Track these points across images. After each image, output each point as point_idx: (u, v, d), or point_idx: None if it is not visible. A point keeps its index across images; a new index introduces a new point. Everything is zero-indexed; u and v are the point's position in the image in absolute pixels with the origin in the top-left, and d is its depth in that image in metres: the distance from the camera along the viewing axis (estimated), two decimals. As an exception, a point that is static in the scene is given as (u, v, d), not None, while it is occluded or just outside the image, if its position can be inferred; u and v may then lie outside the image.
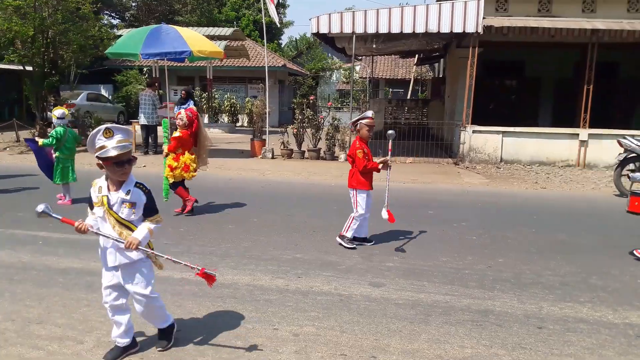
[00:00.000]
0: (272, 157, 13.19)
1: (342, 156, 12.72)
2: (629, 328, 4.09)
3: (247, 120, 24.26)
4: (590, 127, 12.43)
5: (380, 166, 5.96)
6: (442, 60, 22.08)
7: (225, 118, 24.58)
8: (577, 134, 12.37)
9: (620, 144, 9.09)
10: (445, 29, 11.92)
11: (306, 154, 13.24)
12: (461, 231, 6.81)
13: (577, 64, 14.31)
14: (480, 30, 11.80)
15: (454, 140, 13.51)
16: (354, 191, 5.96)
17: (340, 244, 5.97)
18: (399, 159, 12.88)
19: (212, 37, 15.79)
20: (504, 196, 9.26)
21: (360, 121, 5.92)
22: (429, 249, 5.97)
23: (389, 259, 5.58)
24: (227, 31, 18.70)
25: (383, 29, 12.10)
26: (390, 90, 32.16)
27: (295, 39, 45.54)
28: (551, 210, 8.23)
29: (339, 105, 27.86)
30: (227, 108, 24.50)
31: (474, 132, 12.50)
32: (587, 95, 12.30)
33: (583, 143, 12.33)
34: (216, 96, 24.01)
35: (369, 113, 6.03)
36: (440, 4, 12.22)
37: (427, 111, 20.71)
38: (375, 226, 6.73)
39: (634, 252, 5.86)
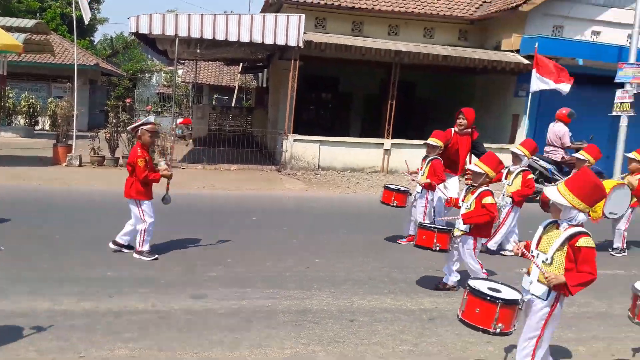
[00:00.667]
0: (80, 165, 11.90)
1: (163, 163, 12.17)
2: (424, 313, 4.70)
3: (49, 123, 21.67)
4: (393, 137, 13.90)
5: (160, 176, 5.71)
6: (265, 70, 22.66)
7: (21, 120, 21.54)
8: (382, 144, 13.76)
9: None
10: (269, 40, 12.28)
11: (120, 161, 12.16)
12: (283, 235, 7.08)
13: (383, 82, 15.91)
14: (301, 44, 12.41)
15: (277, 148, 13.98)
16: (136, 202, 5.61)
17: (141, 259, 5.65)
18: (224, 167, 12.88)
19: (8, 29, 13.92)
20: (321, 200, 9.88)
21: (142, 127, 5.65)
22: (253, 255, 6.10)
23: (212, 268, 5.54)
24: (28, 23, 16.63)
25: (207, 35, 11.99)
26: (215, 96, 31.98)
27: (111, 37, 42.48)
28: (360, 211, 9.02)
29: (160, 110, 26.74)
30: (24, 109, 21.45)
31: (295, 140, 13.10)
32: (391, 109, 13.77)
33: (387, 152, 13.76)
34: (10, 95, 21.03)
35: (151, 118, 5.94)
36: (264, 15, 12.55)
37: (251, 119, 21.05)
38: (203, 236, 6.65)
39: (398, 241, 6.91)
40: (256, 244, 6.57)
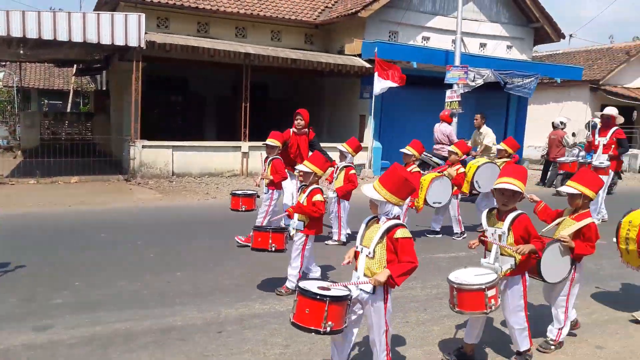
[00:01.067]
0: None
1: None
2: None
3: None
4: (250, 140, 13.83)
5: None
6: (104, 72, 21.02)
7: None
8: (240, 147, 13.61)
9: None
10: (106, 41, 11.37)
11: None
12: (138, 251, 6.59)
13: (234, 84, 15.75)
14: (143, 45, 11.70)
15: (124, 156, 13.04)
16: None
17: None
18: (62, 179, 11.62)
19: None
20: (178, 209, 9.43)
21: None
22: (105, 276, 5.56)
23: (56, 295, 4.93)
24: None
25: (32, 34, 10.70)
26: (47, 101, 28.78)
27: None
28: (222, 218, 8.76)
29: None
30: None
31: (144, 147, 12.33)
32: (245, 112, 13.68)
33: (245, 154, 13.64)
34: None
35: None
36: (99, 14, 11.58)
37: (91, 126, 19.38)
38: (42, 259, 5.90)
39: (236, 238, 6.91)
40: (107, 263, 6.01)
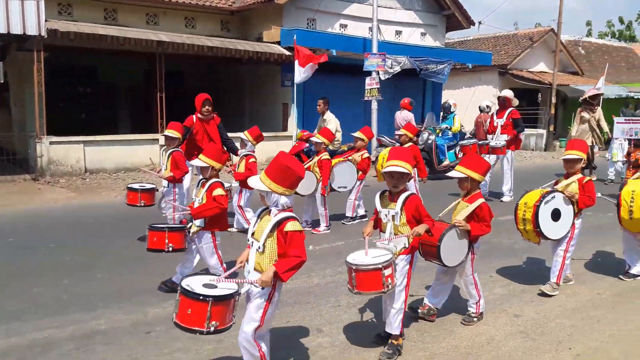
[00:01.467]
0: None
1: None
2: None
3: None
4: (167, 131, 13.31)
5: None
6: (1, 63, 19.32)
7: None
8: (157, 139, 13.03)
9: (379, 141, 12.40)
10: (1, 29, 10.42)
11: None
12: (53, 254, 6.14)
13: (147, 72, 15.06)
14: (44, 33, 10.85)
15: (30, 154, 12.09)
16: None
17: None
18: (-41, 181, 10.60)
19: None
20: (94, 208, 8.90)
21: None
22: (18, 284, 5.14)
23: (-41, 307, 4.49)
24: None
25: None
26: None
27: None
28: (142, 213, 8.36)
29: None
30: None
31: (51, 143, 11.48)
32: (161, 102, 13.13)
33: (163, 146, 13.07)
34: None
35: None
36: (-10, -1, 10.58)
37: (-11, 122, 17.80)
38: None
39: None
40: (18, 270, 5.56)
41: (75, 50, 12.96)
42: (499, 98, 9.77)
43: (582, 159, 4.91)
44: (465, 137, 12.92)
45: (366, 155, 7.65)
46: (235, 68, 16.55)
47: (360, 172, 7.59)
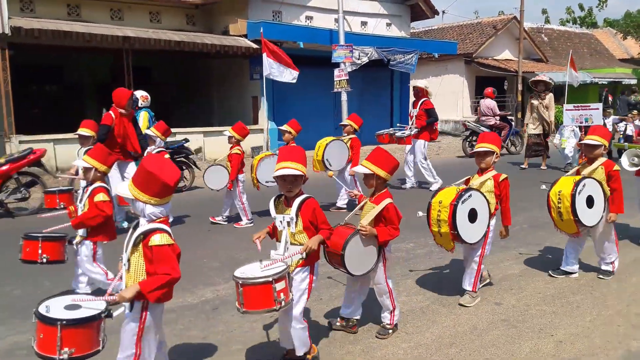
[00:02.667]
0: None
1: None
2: (206, 304, 4.69)
3: None
4: (137, 128, 13.20)
5: None
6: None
7: None
8: (127, 136, 12.94)
9: (465, 125, 14.64)
10: (-40, 27, 10.18)
11: None
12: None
13: (114, 69, 14.84)
14: (7, 30, 10.62)
15: (-3, 154, 11.86)
16: None
17: None
18: None
19: None
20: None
21: None
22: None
23: None
24: None
25: None
26: None
27: None
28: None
29: None
30: None
31: (20, 142, 11.26)
32: (130, 98, 12.98)
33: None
34: None
35: None
36: (-53, -4, 10.28)
37: (-50, 122, 17.25)
38: None
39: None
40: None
41: (40, 48, 12.68)
42: (414, 88, 9.71)
43: (494, 153, 4.47)
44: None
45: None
46: (203, 62, 16.45)
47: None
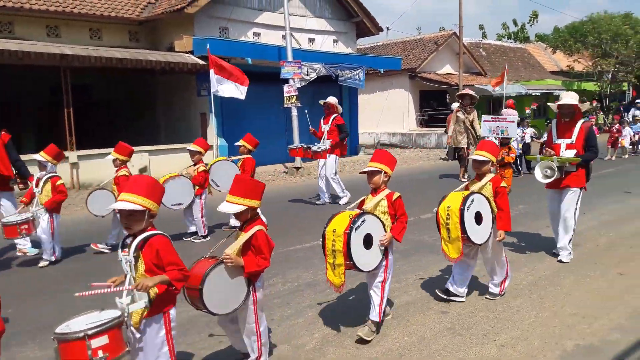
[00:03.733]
0: None
1: None
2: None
3: None
4: (78, 149, 12.64)
5: None
6: None
7: None
8: (67, 157, 12.35)
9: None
10: None
11: None
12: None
13: (53, 88, 14.21)
14: None
15: None
16: None
17: None
18: None
19: None
20: None
21: None
22: None
23: None
24: None
25: None
26: None
27: None
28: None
29: None
30: None
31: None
32: (69, 118, 12.45)
33: (74, 165, 12.43)
34: None
35: None
36: None
37: None
38: None
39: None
40: None
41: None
42: (324, 104, 9.63)
43: (382, 171, 4.12)
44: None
45: (202, 168, 7.28)
46: (147, 79, 16.04)
47: (197, 187, 7.23)
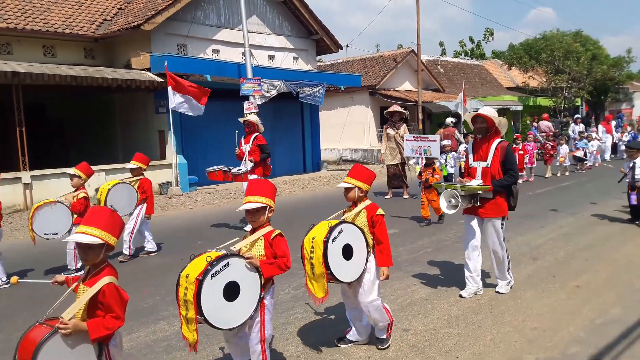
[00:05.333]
0: None
1: None
2: None
3: None
4: (32, 169, 12.16)
5: None
6: None
7: None
8: (20, 177, 11.84)
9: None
10: None
11: None
12: None
13: (4, 106, 13.68)
14: None
15: None
16: None
17: None
18: None
19: None
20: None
21: None
22: None
23: None
24: None
25: None
26: None
27: None
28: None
29: None
30: None
31: None
32: (22, 137, 11.97)
33: (27, 186, 11.92)
34: None
35: None
36: None
37: None
38: None
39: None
40: None
41: None
42: (244, 122, 9.07)
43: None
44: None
45: (82, 195, 6.63)
46: (104, 96, 15.66)
47: (76, 216, 6.48)
